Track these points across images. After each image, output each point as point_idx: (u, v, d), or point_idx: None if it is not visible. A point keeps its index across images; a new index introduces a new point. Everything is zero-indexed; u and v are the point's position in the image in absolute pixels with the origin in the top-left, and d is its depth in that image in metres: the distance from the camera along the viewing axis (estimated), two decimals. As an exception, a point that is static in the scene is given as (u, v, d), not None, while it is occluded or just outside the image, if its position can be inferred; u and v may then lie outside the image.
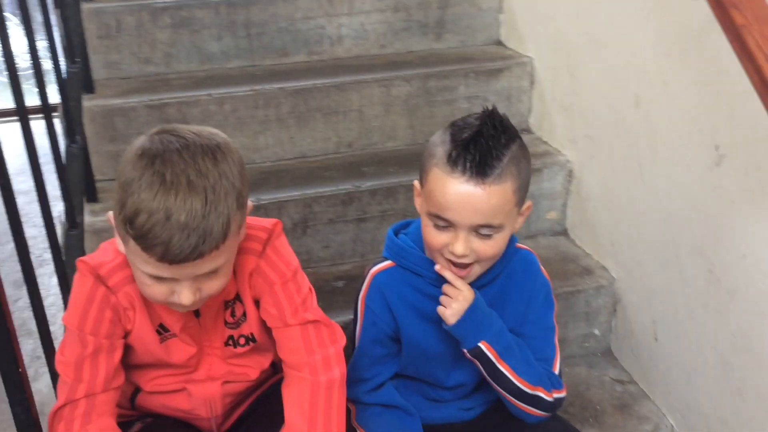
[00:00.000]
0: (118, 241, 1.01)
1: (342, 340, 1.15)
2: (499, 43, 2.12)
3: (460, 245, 1.05)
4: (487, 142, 1.02)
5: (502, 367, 1.14)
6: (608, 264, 1.72)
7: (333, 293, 1.67)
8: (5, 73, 1.29)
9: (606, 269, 1.72)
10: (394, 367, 1.23)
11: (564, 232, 1.89)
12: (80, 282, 1.07)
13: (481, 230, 1.05)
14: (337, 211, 1.74)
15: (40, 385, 1.68)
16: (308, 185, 1.76)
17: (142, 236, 0.91)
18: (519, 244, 1.22)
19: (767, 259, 1.19)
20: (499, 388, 1.16)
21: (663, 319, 1.52)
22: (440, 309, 1.12)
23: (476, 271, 1.11)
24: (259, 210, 1.67)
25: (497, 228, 1.05)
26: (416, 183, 1.13)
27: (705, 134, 1.29)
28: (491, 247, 1.07)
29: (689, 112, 1.33)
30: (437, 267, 1.12)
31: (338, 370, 1.13)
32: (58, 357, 1.08)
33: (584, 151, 1.74)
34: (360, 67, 1.96)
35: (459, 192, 1.02)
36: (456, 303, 1.10)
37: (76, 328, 1.06)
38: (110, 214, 0.99)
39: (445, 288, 1.12)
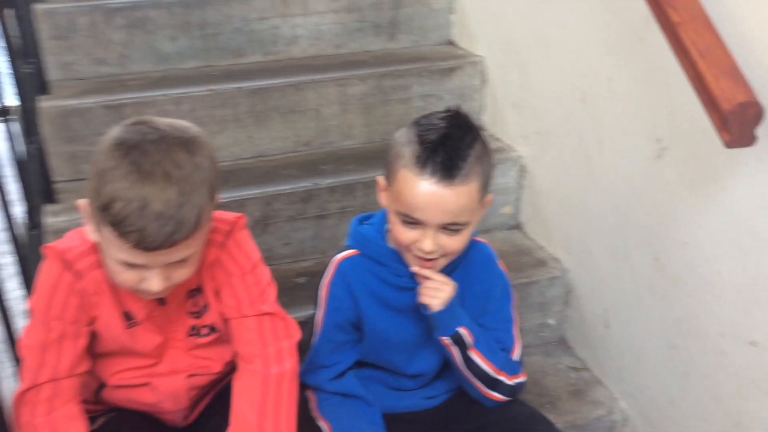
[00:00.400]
0: (88, 229, 1.03)
1: (296, 334, 1.18)
2: (451, 42, 2.16)
3: (429, 243, 1.10)
4: (454, 144, 1.06)
5: (473, 353, 1.20)
6: (561, 255, 1.78)
7: (294, 289, 1.69)
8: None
9: (559, 260, 1.78)
10: (355, 355, 1.27)
11: (518, 226, 1.95)
12: (47, 267, 1.08)
13: (448, 227, 1.10)
14: (296, 208, 1.76)
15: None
16: (268, 183, 1.77)
17: (118, 223, 0.94)
18: (476, 237, 1.27)
19: (707, 246, 1.26)
20: (468, 373, 1.21)
21: (613, 307, 1.59)
22: (425, 299, 1.16)
23: (441, 263, 1.16)
24: (220, 208, 1.68)
25: (464, 225, 1.11)
26: (380, 179, 1.17)
27: (647, 127, 1.36)
28: (457, 242, 1.12)
29: (632, 106, 1.40)
30: (414, 268, 1.16)
31: (290, 363, 1.15)
32: (21, 341, 1.09)
33: (535, 147, 1.80)
34: (316, 67, 1.98)
35: (428, 193, 1.06)
36: (442, 292, 1.16)
37: (42, 313, 1.07)
38: (81, 201, 1.01)
39: (428, 282, 1.16)
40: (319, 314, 1.24)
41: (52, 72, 1.88)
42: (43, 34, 1.84)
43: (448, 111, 1.11)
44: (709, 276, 1.26)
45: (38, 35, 1.80)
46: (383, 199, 1.17)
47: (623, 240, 1.50)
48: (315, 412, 1.24)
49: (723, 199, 1.20)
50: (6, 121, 1.41)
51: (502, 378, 1.23)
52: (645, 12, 1.18)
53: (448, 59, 2.02)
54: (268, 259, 1.76)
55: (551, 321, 1.81)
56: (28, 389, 1.08)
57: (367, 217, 1.28)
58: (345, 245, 1.26)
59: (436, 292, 1.15)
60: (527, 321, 1.79)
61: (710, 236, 1.24)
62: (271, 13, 2.02)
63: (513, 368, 1.26)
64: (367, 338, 1.25)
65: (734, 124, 0.99)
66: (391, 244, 1.21)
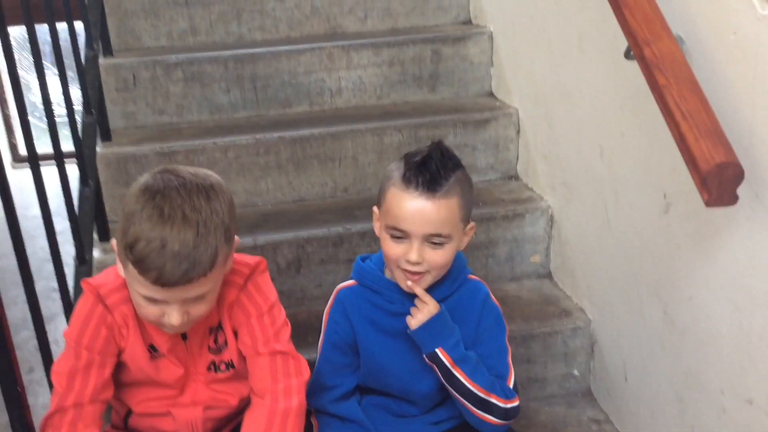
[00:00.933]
0: (118, 265, 1.14)
1: (306, 373, 1.26)
2: (491, 94, 2.23)
3: (414, 253, 1.21)
4: (436, 164, 1.19)
5: (457, 373, 1.26)
6: (585, 306, 1.79)
7: (323, 330, 1.77)
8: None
9: (583, 311, 1.79)
10: (354, 380, 1.35)
11: (548, 275, 1.97)
12: (82, 300, 1.20)
13: (432, 239, 1.20)
14: (328, 252, 1.85)
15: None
16: (302, 227, 1.87)
17: (140, 261, 1.04)
18: (471, 276, 1.37)
19: (709, 301, 1.26)
20: (455, 392, 1.27)
21: (630, 359, 1.59)
22: (408, 317, 1.27)
23: (427, 279, 1.25)
24: (255, 250, 1.79)
25: (446, 238, 1.21)
26: (375, 209, 1.29)
27: (654, 183, 1.38)
28: (441, 256, 1.22)
29: (642, 162, 1.42)
30: (407, 283, 1.25)
31: (297, 400, 1.22)
32: (54, 368, 1.20)
33: (562, 197, 1.83)
34: (356, 117, 2.09)
35: (413, 205, 1.19)
36: (421, 314, 1.26)
37: (74, 342, 1.18)
38: (113, 241, 1.13)
39: (416, 301, 1.27)
40: (320, 338, 1.35)
41: (116, 121, 2.06)
42: (108, 86, 2.03)
43: (432, 142, 1.25)
44: (710, 331, 1.26)
45: (104, 87, 1.99)
46: (377, 227, 1.29)
47: (637, 292, 1.51)
48: None
49: (721, 255, 1.21)
50: (62, 164, 1.56)
51: (493, 400, 1.27)
52: (646, 72, 1.22)
53: (483, 111, 2.09)
54: (301, 299, 1.88)
55: (576, 372, 1.82)
56: (54, 413, 1.18)
57: (370, 256, 1.39)
58: (350, 277, 1.37)
59: (416, 312, 1.26)
60: (551, 371, 1.80)
61: (711, 292, 1.25)
62: (318, 67, 2.15)
63: (506, 393, 1.31)
64: (363, 362, 1.34)
65: (713, 184, 1.02)
66: (387, 275, 1.31)
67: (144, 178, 1.11)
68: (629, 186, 1.49)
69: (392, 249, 1.23)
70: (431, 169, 1.19)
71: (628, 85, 1.41)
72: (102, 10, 2.06)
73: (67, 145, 1.61)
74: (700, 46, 1.17)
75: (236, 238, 1.17)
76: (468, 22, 2.37)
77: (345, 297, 1.34)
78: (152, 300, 1.10)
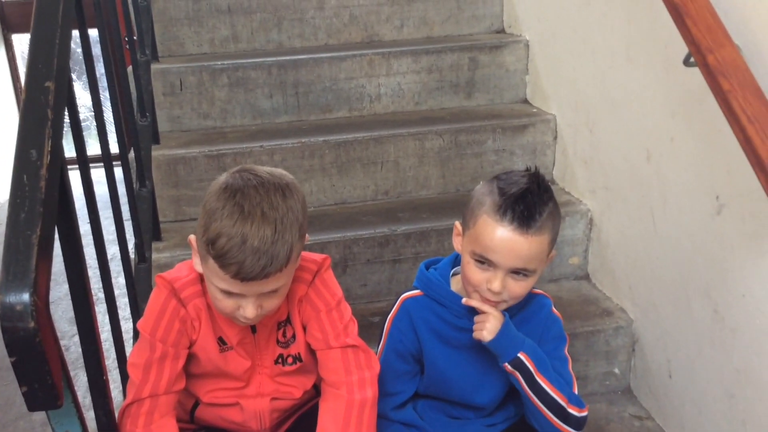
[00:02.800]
0: (195, 261, 1.18)
1: (377, 367, 1.30)
2: (525, 101, 2.29)
3: (498, 283, 1.20)
4: (533, 199, 1.17)
5: (540, 379, 1.26)
6: (626, 306, 1.84)
7: (369, 327, 1.82)
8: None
9: (624, 311, 1.84)
10: (414, 386, 1.37)
11: (586, 277, 2.02)
12: (156, 294, 1.24)
13: (517, 272, 1.20)
14: (374, 252, 1.90)
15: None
16: (348, 228, 1.92)
17: (221, 256, 1.08)
18: (534, 290, 1.36)
19: (764, 298, 1.31)
20: (537, 401, 1.27)
21: (676, 357, 1.64)
22: (476, 333, 1.26)
23: (502, 307, 1.26)
24: (303, 249, 1.84)
25: (531, 272, 1.21)
26: (458, 224, 1.28)
27: (707, 186, 1.43)
28: (522, 288, 1.22)
29: (693, 165, 1.48)
30: (464, 300, 1.26)
31: (371, 392, 1.27)
32: (130, 360, 1.24)
33: (603, 201, 1.88)
34: (396, 122, 2.15)
35: (504, 238, 1.17)
36: (489, 323, 1.24)
37: (149, 335, 1.22)
38: (191, 237, 1.18)
39: (477, 317, 1.26)
40: (381, 345, 1.36)
41: (162, 124, 2.11)
42: (156, 90, 2.08)
43: (527, 170, 1.24)
44: (763, 328, 1.31)
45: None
46: (457, 243, 1.29)
47: (685, 292, 1.56)
48: None
49: (777, 254, 1.26)
50: (127, 165, 1.60)
51: (571, 411, 1.28)
52: (703, 78, 1.27)
53: (521, 117, 2.15)
54: (346, 299, 1.89)
55: (617, 370, 1.87)
56: (131, 403, 1.22)
57: (435, 262, 1.39)
58: (412, 286, 1.38)
59: (482, 324, 1.25)
60: (592, 369, 1.85)
61: (765, 289, 1.30)
62: (358, 73, 2.21)
63: (578, 401, 1.31)
64: (427, 372, 1.35)
65: (780, 184, 1.07)
66: (454, 288, 1.32)
67: (224, 177, 1.15)
68: (678, 189, 1.54)
69: (475, 275, 1.22)
70: (528, 202, 1.16)
71: (680, 91, 1.47)
72: (150, 17, 2.11)
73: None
74: (759, 55, 1.23)
75: (306, 235, 1.22)
76: (501, 31, 2.44)
77: (411, 307, 1.34)
78: (229, 293, 1.14)
